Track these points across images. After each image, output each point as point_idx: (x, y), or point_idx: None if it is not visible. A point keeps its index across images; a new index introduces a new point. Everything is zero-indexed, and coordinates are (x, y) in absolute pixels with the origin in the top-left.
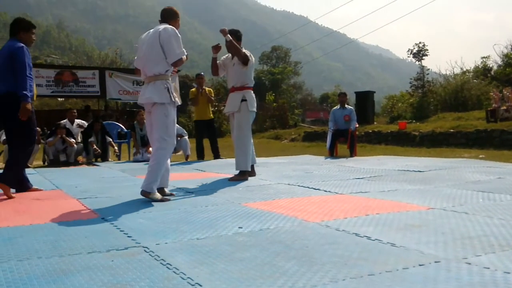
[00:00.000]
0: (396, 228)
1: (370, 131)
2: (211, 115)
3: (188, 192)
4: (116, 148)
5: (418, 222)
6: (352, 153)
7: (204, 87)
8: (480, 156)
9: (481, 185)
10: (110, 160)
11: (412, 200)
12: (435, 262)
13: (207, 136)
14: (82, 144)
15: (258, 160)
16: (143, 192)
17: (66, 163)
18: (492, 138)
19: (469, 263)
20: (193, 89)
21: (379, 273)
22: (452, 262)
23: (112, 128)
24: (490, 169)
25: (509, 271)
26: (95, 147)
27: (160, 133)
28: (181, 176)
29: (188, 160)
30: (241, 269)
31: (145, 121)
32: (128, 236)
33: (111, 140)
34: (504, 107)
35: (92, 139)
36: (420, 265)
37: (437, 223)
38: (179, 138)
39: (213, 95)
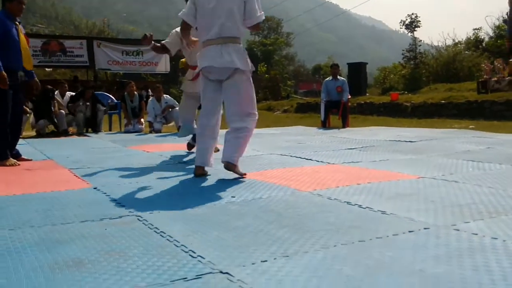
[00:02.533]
0: (387, 196)
1: (363, 102)
2: None
3: (181, 162)
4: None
5: (409, 190)
6: (345, 124)
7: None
8: (470, 126)
9: (471, 154)
10: (102, 131)
11: (403, 170)
12: (425, 228)
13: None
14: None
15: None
16: (229, 165)
17: (56, 134)
18: (483, 109)
19: (458, 230)
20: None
21: (369, 240)
22: (441, 229)
23: (102, 99)
24: (480, 139)
25: (497, 237)
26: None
27: (248, 105)
28: (174, 146)
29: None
30: (234, 236)
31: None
32: (121, 206)
33: (104, 108)
34: (495, 79)
35: (80, 103)
36: (410, 231)
37: (427, 192)
38: (170, 109)
39: None
